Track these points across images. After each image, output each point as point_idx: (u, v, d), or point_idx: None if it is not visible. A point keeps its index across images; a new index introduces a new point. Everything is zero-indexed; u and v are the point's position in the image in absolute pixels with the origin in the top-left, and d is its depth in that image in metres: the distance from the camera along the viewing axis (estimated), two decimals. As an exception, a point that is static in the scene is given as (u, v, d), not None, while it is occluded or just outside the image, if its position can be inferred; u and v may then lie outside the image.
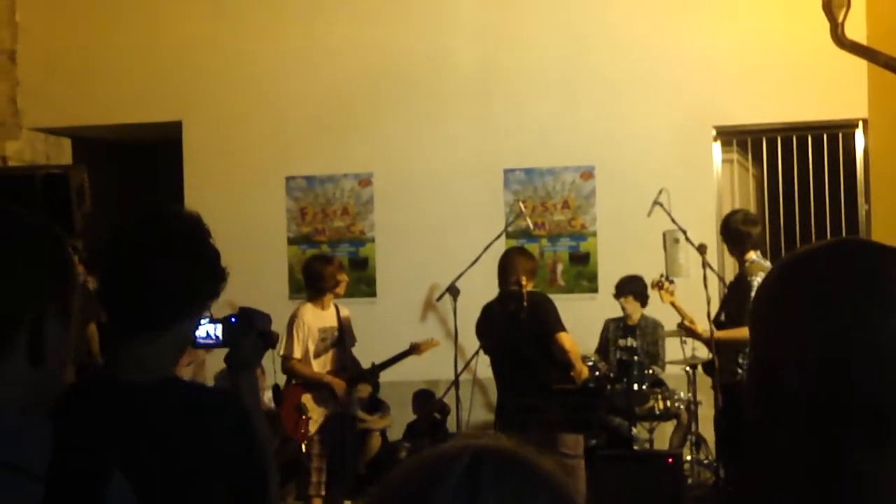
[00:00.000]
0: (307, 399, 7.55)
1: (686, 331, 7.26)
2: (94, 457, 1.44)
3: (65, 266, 1.50)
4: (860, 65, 8.78)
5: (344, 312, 7.78)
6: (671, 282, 7.70)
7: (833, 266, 1.25)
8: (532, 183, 9.55)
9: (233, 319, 2.51)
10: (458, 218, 9.46)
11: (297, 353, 7.50)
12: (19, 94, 10.09)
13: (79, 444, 1.43)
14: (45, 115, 10.07)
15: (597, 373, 7.81)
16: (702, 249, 7.25)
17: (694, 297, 7.22)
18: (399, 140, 9.65)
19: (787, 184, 9.55)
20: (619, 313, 8.65)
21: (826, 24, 7.71)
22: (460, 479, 0.98)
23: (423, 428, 8.89)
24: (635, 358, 8.16)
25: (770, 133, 9.55)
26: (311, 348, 7.55)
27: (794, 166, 9.50)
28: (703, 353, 7.67)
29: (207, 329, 2.49)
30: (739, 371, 6.73)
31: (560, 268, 9.54)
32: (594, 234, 9.50)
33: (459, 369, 7.68)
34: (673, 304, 7.57)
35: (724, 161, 9.70)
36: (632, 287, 8.49)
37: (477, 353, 7.40)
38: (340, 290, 7.82)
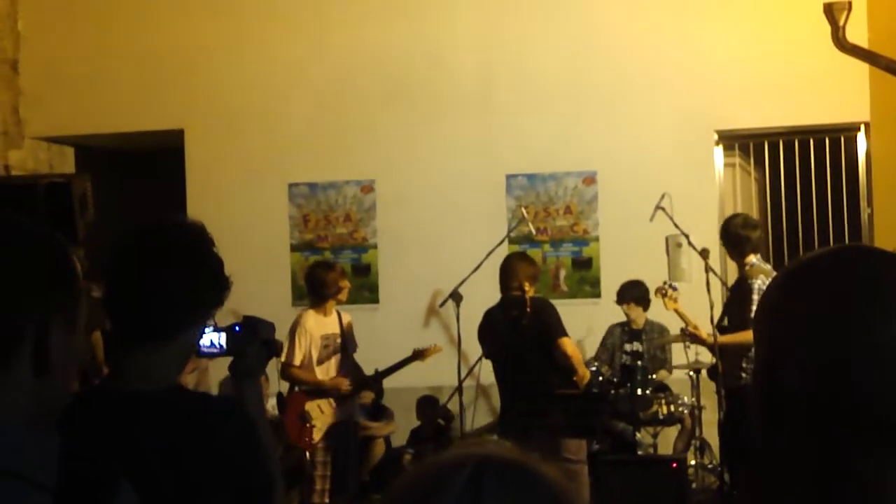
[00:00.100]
0: (311, 407, 7.55)
1: (690, 337, 7.26)
2: (101, 468, 1.44)
3: (69, 275, 1.50)
4: (862, 68, 8.78)
5: (346, 319, 7.78)
6: (674, 288, 7.71)
7: (835, 272, 1.26)
8: (534, 188, 9.55)
9: (237, 328, 2.51)
10: (461, 224, 9.47)
11: (297, 360, 7.50)
12: (22, 104, 10.10)
13: (86, 454, 1.43)
14: (47, 124, 10.09)
15: (600, 378, 7.81)
16: (704, 254, 7.26)
17: (697, 301, 7.22)
18: (401, 147, 9.66)
19: (790, 188, 9.55)
20: (622, 318, 8.65)
21: (827, 28, 7.71)
22: (463, 488, 0.99)
23: (426, 434, 8.90)
24: (639, 363, 8.16)
25: (772, 137, 9.56)
26: (314, 355, 7.55)
27: (797, 170, 9.50)
28: (707, 357, 7.67)
29: (211, 338, 2.49)
30: (744, 375, 6.72)
31: (563, 273, 9.53)
32: (596, 240, 9.50)
33: (463, 375, 7.68)
34: (677, 310, 7.57)
35: (726, 165, 9.70)
36: (633, 293, 8.50)
37: (480, 359, 7.41)
38: (343, 296, 7.82)
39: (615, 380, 8.00)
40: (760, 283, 6.68)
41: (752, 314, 6.66)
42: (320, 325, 7.60)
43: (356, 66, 9.71)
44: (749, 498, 1.35)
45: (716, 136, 9.47)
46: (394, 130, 9.64)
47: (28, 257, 1.45)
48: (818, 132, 9.40)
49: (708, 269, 7.17)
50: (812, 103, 9.16)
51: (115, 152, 10.63)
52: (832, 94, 9.11)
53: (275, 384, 7.71)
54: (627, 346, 8.58)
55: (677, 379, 8.52)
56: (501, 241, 8.51)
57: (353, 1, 9.78)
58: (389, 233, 9.69)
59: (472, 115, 9.61)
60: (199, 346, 2.44)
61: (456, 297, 8.16)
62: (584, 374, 7.08)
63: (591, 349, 8.74)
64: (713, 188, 9.44)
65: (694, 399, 8.07)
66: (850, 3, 8.00)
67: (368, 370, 8.02)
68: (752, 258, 6.96)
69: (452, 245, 9.30)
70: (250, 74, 9.82)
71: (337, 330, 7.67)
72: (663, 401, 8.11)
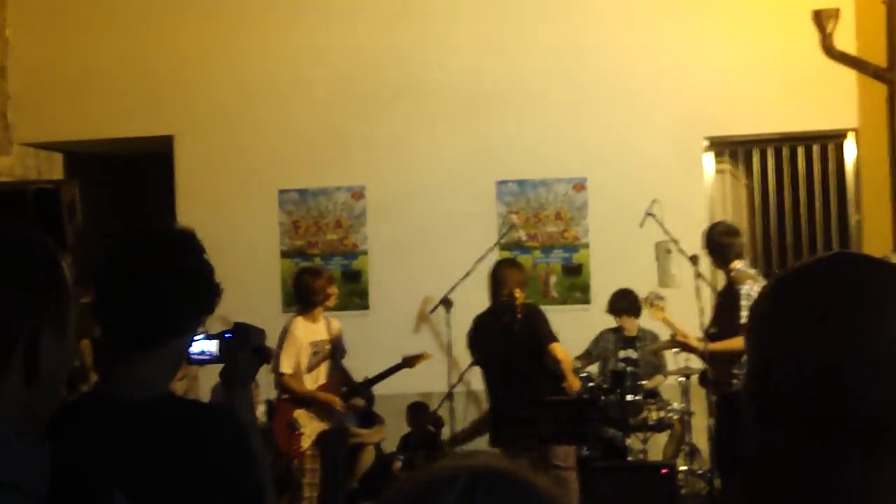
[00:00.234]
0: (299, 414, 7.53)
1: (680, 345, 7.28)
2: (93, 476, 1.43)
3: (59, 281, 1.48)
4: (850, 75, 8.83)
5: (334, 325, 7.76)
6: (661, 298, 7.74)
7: (826, 278, 1.28)
8: (525, 195, 9.56)
9: (227, 335, 2.51)
10: (451, 230, 9.47)
11: (288, 369, 7.48)
12: (10, 109, 10.07)
13: (78, 464, 1.42)
14: (36, 130, 10.06)
15: (590, 384, 7.82)
16: (694, 260, 7.28)
17: (687, 307, 7.24)
18: (392, 153, 9.66)
19: (779, 194, 9.58)
20: (613, 324, 8.66)
21: (816, 35, 7.75)
22: (457, 500, 0.98)
23: (417, 441, 8.88)
24: (629, 369, 8.17)
25: (762, 143, 9.59)
26: (304, 362, 7.53)
27: (786, 176, 9.53)
28: (697, 363, 7.68)
29: (202, 345, 2.49)
30: (734, 381, 6.73)
31: (553, 279, 9.54)
32: (587, 246, 9.51)
33: (453, 381, 7.68)
34: (664, 320, 7.59)
35: (716, 171, 9.72)
36: (624, 304, 8.52)
37: (471, 365, 7.41)
38: (331, 302, 7.81)
39: (605, 386, 8.01)
40: (748, 289, 6.70)
41: (741, 320, 6.71)
42: (309, 332, 7.58)
43: (347, 72, 9.71)
44: (742, 503, 1.35)
45: (706, 143, 9.50)
46: (384, 137, 9.64)
47: (18, 263, 1.44)
48: (807, 139, 9.44)
49: (698, 275, 7.18)
50: (801, 110, 9.19)
51: (103, 158, 10.60)
52: (821, 100, 9.14)
53: (265, 391, 7.69)
54: (622, 353, 8.59)
55: (667, 385, 8.54)
56: (492, 248, 8.52)
57: (344, 7, 9.78)
58: (380, 239, 9.68)
59: (462, 122, 9.62)
60: (190, 353, 2.44)
61: (446, 303, 8.16)
62: (574, 381, 7.09)
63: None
64: (703, 194, 9.46)
65: (684, 405, 8.08)
66: (838, 11, 8.05)
67: (359, 377, 8.01)
68: (738, 264, 6.99)
69: (443, 251, 9.30)
70: (240, 81, 9.81)
71: (326, 336, 7.65)
72: (653, 407, 8.12)
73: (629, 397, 7.92)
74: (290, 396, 7.57)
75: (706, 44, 9.34)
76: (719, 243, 7.04)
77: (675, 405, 8.18)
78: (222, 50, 9.80)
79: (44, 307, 1.44)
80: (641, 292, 8.24)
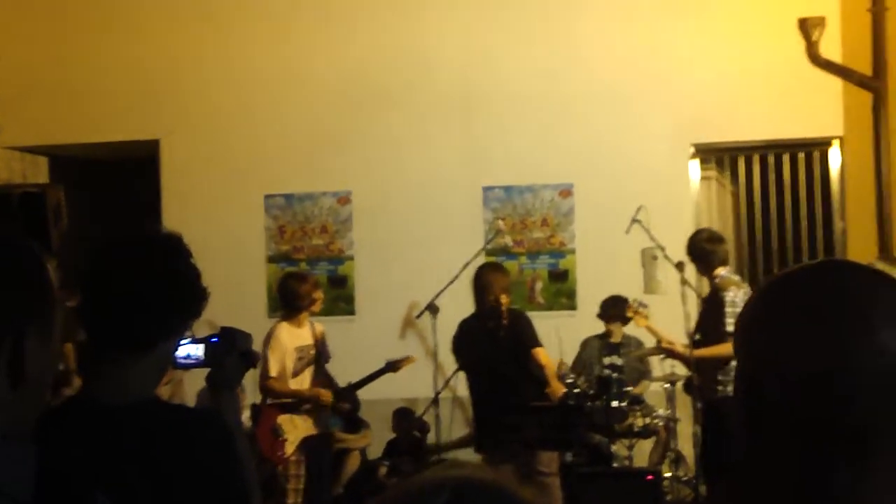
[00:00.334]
0: (283, 420, 7.51)
1: (665, 351, 7.29)
2: (78, 481, 1.42)
3: (45, 285, 1.48)
4: (835, 83, 8.87)
5: (318, 328, 7.75)
6: (644, 305, 7.76)
7: (815, 285, 1.28)
8: (511, 200, 9.57)
9: (214, 339, 2.50)
10: (438, 236, 9.46)
11: (274, 373, 7.46)
12: (-5, 113, 10.03)
13: (63, 468, 1.42)
14: (21, 134, 10.00)
15: (576, 390, 7.81)
16: (680, 266, 7.29)
17: (673, 314, 7.25)
18: (378, 158, 9.65)
19: (765, 201, 9.61)
20: (598, 331, 8.67)
21: (802, 43, 7.79)
22: None
23: (402, 446, 8.87)
24: (614, 375, 8.17)
25: (748, 150, 9.62)
26: (289, 367, 7.51)
27: (772, 183, 9.56)
28: (682, 370, 7.69)
29: (189, 349, 2.48)
30: (719, 388, 6.74)
31: (539, 285, 9.55)
32: (573, 252, 9.52)
33: (439, 387, 7.67)
34: (648, 327, 7.60)
35: (702, 178, 9.75)
36: (616, 311, 8.52)
37: (457, 371, 7.40)
38: (316, 308, 7.80)
39: (591, 392, 8.01)
40: (732, 296, 6.72)
41: (725, 326, 6.72)
42: (294, 336, 7.56)
43: (333, 77, 9.70)
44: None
45: (692, 150, 9.52)
46: (371, 142, 9.64)
47: (3, 267, 1.43)
48: (793, 146, 9.47)
49: (684, 281, 7.20)
50: (787, 118, 9.23)
51: (89, 162, 10.56)
52: (807, 108, 9.18)
53: (251, 396, 7.67)
54: (606, 360, 8.59)
55: (653, 391, 8.55)
56: (478, 253, 8.52)
57: (330, 13, 9.78)
58: (366, 244, 9.67)
59: (449, 128, 9.62)
60: (176, 357, 2.43)
61: (432, 308, 8.15)
62: (557, 387, 7.07)
63: (567, 361, 8.74)
64: (689, 201, 9.48)
65: (669, 411, 8.09)
66: (823, 20, 8.09)
67: (344, 382, 7.99)
68: (721, 270, 7.01)
69: (429, 257, 9.30)
70: (226, 85, 9.79)
71: (311, 341, 7.64)
72: (638, 413, 8.12)
73: (614, 403, 7.92)
74: (276, 401, 7.55)
75: (693, 51, 9.37)
76: (703, 250, 7.07)
77: (661, 412, 8.18)
78: (209, 54, 9.78)
79: (29, 311, 1.43)
80: (629, 298, 8.26)
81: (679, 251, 7.52)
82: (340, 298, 9.65)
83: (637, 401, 8.24)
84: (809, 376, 1.22)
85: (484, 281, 7.13)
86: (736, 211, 10.01)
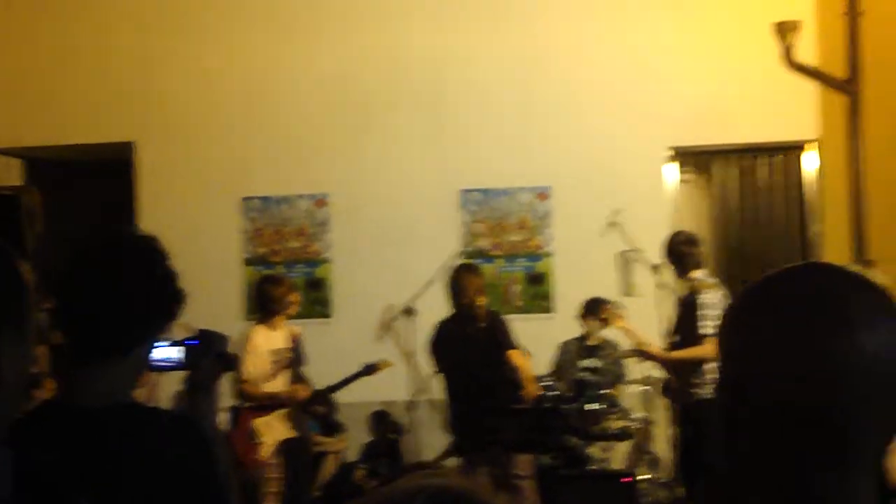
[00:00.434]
0: (259, 423, 7.48)
1: (641, 354, 7.31)
2: (57, 484, 1.41)
3: (20, 286, 1.46)
4: (812, 87, 8.91)
5: (294, 331, 7.72)
6: (621, 307, 7.77)
7: (796, 288, 1.29)
8: (488, 203, 9.57)
9: (192, 341, 2.49)
10: (415, 238, 9.46)
11: (248, 376, 7.43)
12: (-31, 115, 9.96)
13: (40, 471, 1.40)
14: (-6, 136, 9.95)
15: (552, 392, 7.82)
16: (656, 269, 7.31)
17: (650, 316, 7.27)
18: (355, 161, 9.64)
19: (742, 204, 9.65)
20: (575, 334, 8.67)
21: (778, 47, 7.82)
22: None
23: (379, 449, 8.85)
24: (590, 377, 8.18)
25: (725, 153, 9.66)
26: (265, 370, 7.49)
27: (749, 187, 9.61)
28: (659, 372, 7.71)
29: (165, 352, 2.46)
30: (695, 390, 6.76)
31: (516, 288, 9.55)
32: (550, 255, 9.54)
33: (416, 390, 7.66)
34: (623, 328, 7.62)
35: (679, 181, 9.79)
36: (597, 310, 8.52)
37: (434, 373, 7.39)
38: (292, 311, 7.77)
39: (568, 395, 8.02)
40: (708, 298, 6.74)
41: (700, 329, 6.73)
42: (269, 340, 7.54)
43: (309, 80, 9.69)
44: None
45: (670, 153, 9.56)
46: (347, 145, 9.63)
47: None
48: (769, 149, 9.52)
49: (660, 284, 7.22)
50: (763, 121, 9.28)
51: (63, 165, 10.49)
52: (783, 112, 9.24)
53: (228, 398, 7.62)
54: (585, 362, 8.59)
55: (628, 394, 8.56)
56: (455, 256, 8.52)
57: (305, 17, 9.76)
58: (343, 247, 9.66)
59: (425, 130, 9.62)
60: (153, 359, 2.41)
61: (409, 311, 8.14)
62: (531, 389, 7.07)
63: (544, 364, 8.75)
64: (666, 204, 9.51)
65: (645, 414, 8.11)
66: (798, 24, 8.12)
67: (321, 384, 7.97)
68: (697, 273, 7.03)
69: (406, 260, 9.29)
70: (202, 87, 9.76)
71: (287, 344, 7.62)
72: (614, 416, 8.13)
73: (590, 406, 7.92)
74: (252, 404, 7.52)
75: (670, 55, 9.41)
76: (680, 252, 7.09)
77: (637, 414, 8.20)
78: (184, 56, 9.75)
79: (5, 314, 1.42)
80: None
81: (656, 254, 7.55)
82: (317, 301, 9.63)
83: (613, 403, 8.26)
84: (792, 379, 1.22)
85: (458, 283, 7.12)
86: (713, 214, 10.05)
